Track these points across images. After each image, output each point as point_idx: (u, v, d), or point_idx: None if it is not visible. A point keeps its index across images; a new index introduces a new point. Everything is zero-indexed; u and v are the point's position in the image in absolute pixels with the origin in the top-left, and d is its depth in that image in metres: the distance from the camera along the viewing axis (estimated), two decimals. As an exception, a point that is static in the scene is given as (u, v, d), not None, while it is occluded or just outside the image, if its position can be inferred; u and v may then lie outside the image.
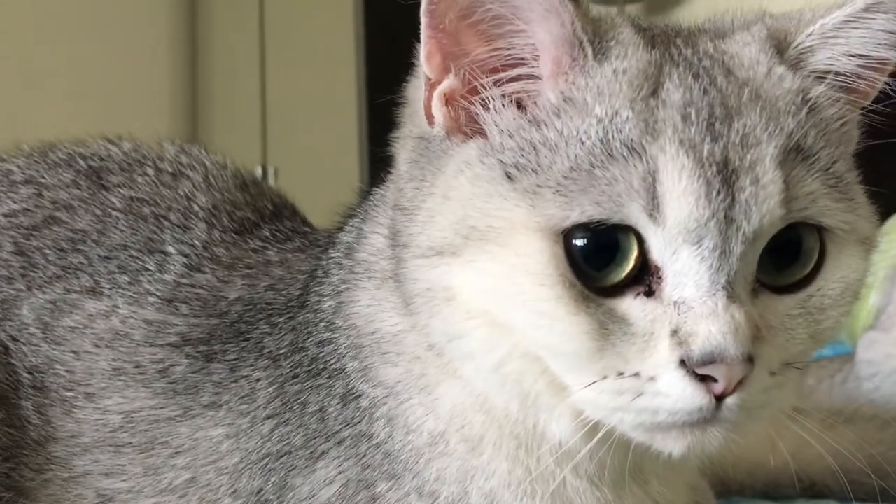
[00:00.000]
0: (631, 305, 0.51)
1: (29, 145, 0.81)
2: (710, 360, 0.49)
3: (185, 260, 0.73)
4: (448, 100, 0.55)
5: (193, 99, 3.38)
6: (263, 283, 0.71)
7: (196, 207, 0.76)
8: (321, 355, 0.63)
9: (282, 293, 0.69)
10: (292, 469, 0.61)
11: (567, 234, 0.50)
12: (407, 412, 0.59)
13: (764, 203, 0.50)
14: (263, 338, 0.66)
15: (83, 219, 0.74)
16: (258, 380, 0.65)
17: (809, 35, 0.56)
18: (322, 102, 3.20)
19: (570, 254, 0.50)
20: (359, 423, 0.60)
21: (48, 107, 2.63)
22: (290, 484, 0.61)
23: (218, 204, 0.78)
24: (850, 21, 0.55)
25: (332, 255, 0.67)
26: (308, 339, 0.64)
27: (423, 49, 0.54)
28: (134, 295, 0.71)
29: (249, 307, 0.69)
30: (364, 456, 0.60)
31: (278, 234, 0.76)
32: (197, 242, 0.74)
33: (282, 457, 0.62)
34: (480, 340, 0.53)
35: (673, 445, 0.52)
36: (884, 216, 0.58)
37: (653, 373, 0.50)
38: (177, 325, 0.69)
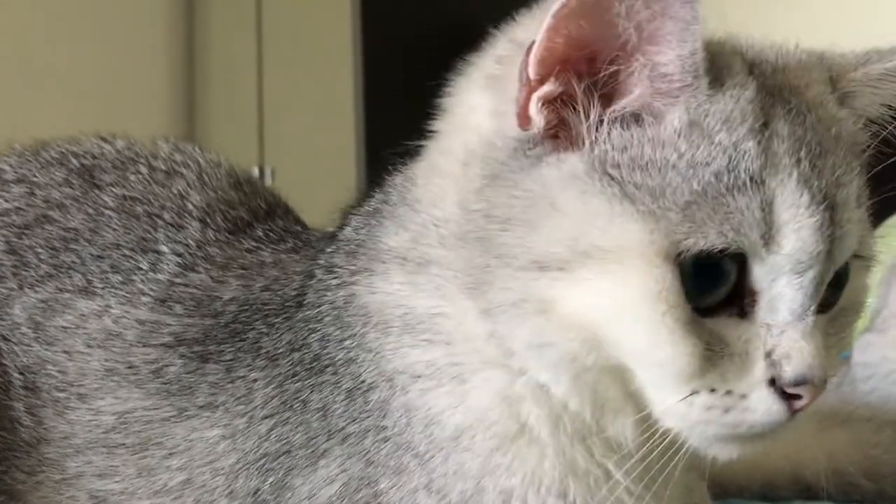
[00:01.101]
0: (726, 325, 0.54)
1: (21, 144, 0.81)
2: (802, 381, 0.53)
3: (178, 259, 0.72)
4: (546, 104, 0.54)
5: (190, 99, 3.38)
6: (258, 284, 0.70)
7: (190, 206, 0.76)
8: (325, 351, 0.62)
9: (277, 293, 0.68)
10: (292, 469, 0.61)
11: (679, 257, 0.51)
12: (431, 402, 0.58)
13: (851, 239, 0.54)
14: (260, 338, 0.66)
15: (75, 217, 0.74)
16: (255, 380, 0.64)
17: (853, 80, 0.59)
18: (319, 103, 3.20)
19: (681, 276, 0.52)
20: (367, 417, 0.59)
21: (44, 106, 2.62)
22: (288, 484, 0.61)
23: (212, 203, 0.77)
24: (890, 74, 0.59)
25: (337, 251, 0.66)
26: (309, 336, 0.63)
27: (538, 50, 0.53)
28: (127, 294, 0.70)
29: (245, 307, 0.68)
30: (368, 452, 0.59)
31: (272, 234, 0.76)
32: (191, 242, 0.73)
33: (280, 456, 0.62)
34: (571, 352, 0.54)
35: (728, 453, 0.56)
36: (876, 221, 0.61)
37: (746, 391, 0.53)
38: (170, 325, 0.68)
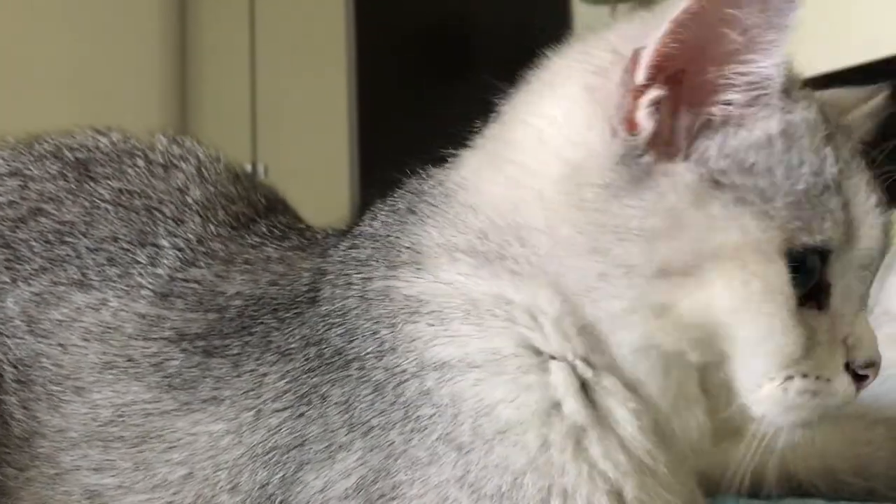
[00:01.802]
0: (810, 316, 0.59)
1: (14, 137, 0.80)
2: (871, 363, 0.60)
3: (179, 253, 0.71)
4: (652, 110, 0.57)
5: (183, 96, 3.37)
6: (265, 279, 0.69)
7: (190, 200, 0.75)
8: (351, 345, 0.61)
9: (286, 288, 0.68)
10: (305, 463, 0.61)
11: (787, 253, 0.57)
12: (484, 393, 0.58)
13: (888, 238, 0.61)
14: (269, 332, 0.65)
15: (70, 210, 0.73)
16: (265, 374, 0.64)
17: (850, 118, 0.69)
18: (312, 100, 3.19)
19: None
20: (398, 409, 0.59)
21: (35, 103, 2.62)
22: (300, 478, 0.60)
23: (212, 197, 0.76)
24: (866, 116, 0.69)
25: (360, 247, 0.66)
26: (328, 331, 0.63)
27: (650, 55, 0.56)
28: (125, 288, 0.70)
29: (251, 302, 0.68)
30: (392, 444, 0.59)
31: (275, 231, 0.75)
32: (191, 236, 0.73)
33: (292, 450, 0.61)
34: (678, 351, 0.58)
35: (797, 437, 0.61)
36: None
37: (831, 375, 0.59)
38: (171, 319, 0.68)
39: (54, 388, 0.67)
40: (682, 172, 0.57)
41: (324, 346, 0.62)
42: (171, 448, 0.64)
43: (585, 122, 0.59)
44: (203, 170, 0.78)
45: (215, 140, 0.86)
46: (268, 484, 0.61)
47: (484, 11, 3.01)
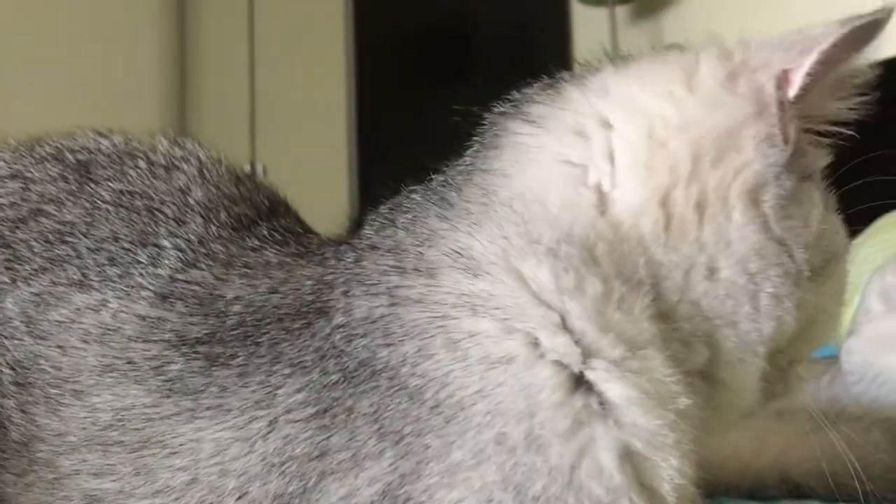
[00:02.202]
0: None
1: (15, 139, 0.79)
2: None
3: (180, 254, 0.70)
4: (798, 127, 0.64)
5: (182, 96, 3.37)
6: (264, 285, 0.68)
7: (192, 201, 0.75)
8: (379, 355, 0.60)
9: (289, 297, 0.67)
10: (329, 473, 0.59)
11: None
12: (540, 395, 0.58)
13: None
14: (278, 343, 0.64)
15: (71, 212, 0.73)
16: (279, 386, 0.62)
17: None
18: (311, 100, 3.19)
19: None
20: (438, 414, 0.58)
21: (34, 104, 2.61)
22: (323, 487, 0.59)
23: (214, 198, 0.76)
24: None
25: (380, 255, 0.64)
26: (349, 343, 0.62)
27: (804, 74, 0.62)
28: (125, 288, 0.69)
29: (252, 309, 0.67)
30: (429, 448, 0.58)
31: (275, 235, 0.75)
32: (193, 237, 0.72)
33: (312, 460, 0.60)
34: (793, 332, 0.65)
35: None
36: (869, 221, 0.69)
37: None
38: (172, 321, 0.67)
39: (53, 390, 0.66)
40: (814, 188, 0.65)
41: (345, 359, 0.61)
42: (173, 454, 0.63)
43: (752, 140, 0.62)
44: (205, 171, 0.78)
45: (214, 140, 0.86)
46: (283, 494, 0.60)
47: (483, 12, 3.01)
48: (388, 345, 0.60)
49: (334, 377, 0.61)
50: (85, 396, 0.66)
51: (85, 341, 0.67)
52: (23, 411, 0.66)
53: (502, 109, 0.68)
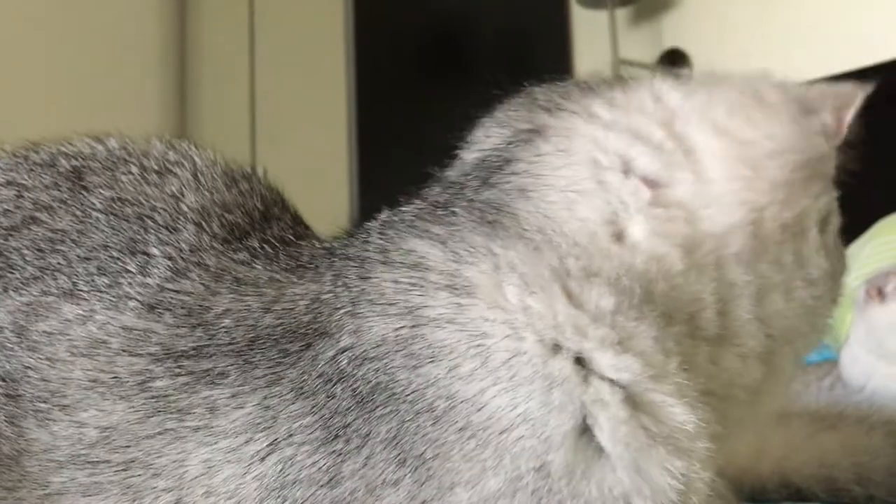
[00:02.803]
0: None
1: (11, 146, 0.78)
2: None
3: (170, 263, 0.69)
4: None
5: (182, 100, 3.37)
6: (255, 303, 0.66)
7: (184, 207, 0.73)
8: (396, 380, 0.58)
9: (284, 318, 0.64)
10: (342, 500, 0.57)
11: None
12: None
13: None
14: (276, 366, 0.61)
15: (63, 220, 0.72)
16: (280, 409, 0.60)
17: None
18: (311, 103, 3.19)
19: None
20: (473, 437, 0.56)
21: (34, 106, 2.61)
22: None
23: (207, 205, 0.74)
24: None
25: (397, 270, 0.61)
26: (360, 367, 0.59)
27: (850, 119, 0.67)
28: (113, 299, 0.67)
29: (243, 327, 0.64)
30: (457, 472, 0.56)
31: (266, 248, 0.72)
32: (184, 245, 0.70)
33: (322, 487, 0.57)
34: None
35: None
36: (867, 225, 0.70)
37: None
38: (158, 333, 0.65)
39: (42, 404, 0.64)
40: None
41: (356, 384, 0.59)
42: (156, 475, 0.61)
43: (821, 166, 0.67)
44: (199, 175, 0.76)
45: (214, 141, 0.85)
46: None
47: (482, 14, 3.00)
48: (412, 367, 0.57)
49: (345, 402, 0.58)
50: (72, 411, 0.64)
51: (72, 354, 0.65)
52: (13, 424, 0.65)
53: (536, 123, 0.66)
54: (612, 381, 0.56)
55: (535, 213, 0.61)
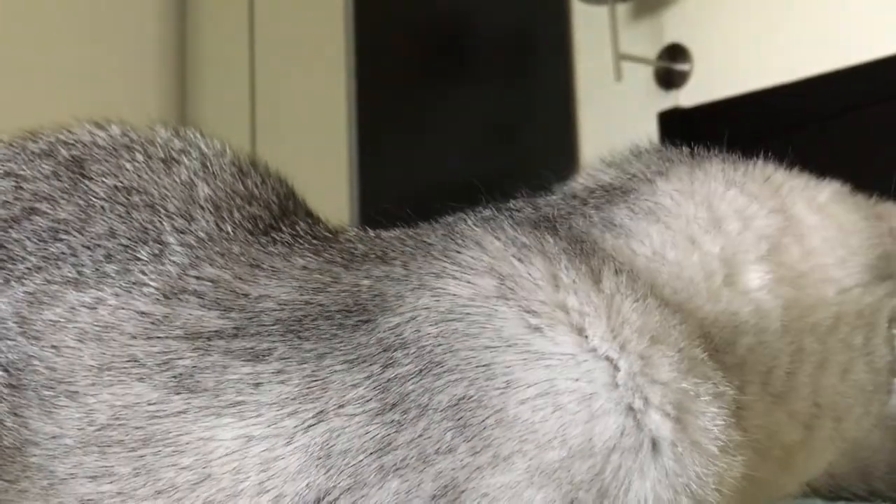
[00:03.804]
0: None
1: (8, 136, 0.77)
2: None
3: (188, 251, 0.68)
4: None
5: (182, 97, 3.37)
6: (303, 286, 0.65)
7: (198, 196, 0.72)
8: (463, 350, 0.58)
9: (338, 297, 0.63)
10: (392, 469, 0.57)
11: None
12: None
13: None
14: (329, 338, 0.61)
15: (65, 209, 0.71)
16: (330, 380, 0.59)
17: None
18: (311, 101, 3.19)
19: None
20: (539, 410, 0.57)
21: (34, 103, 2.61)
22: (378, 482, 0.57)
23: (223, 195, 0.73)
24: None
25: (489, 259, 0.61)
26: (430, 334, 0.59)
27: None
28: (124, 286, 0.66)
29: (287, 307, 0.63)
30: (521, 441, 0.56)
31: (300, 240, 0.71)
32: (202, 234, 0.69)
33: (371, 454, 0.57)
34: None
35: None
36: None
37: None
38: (183, 317, 0.64)
39: (47, 392, 0.64)
40: None
41: (419, 352, 0.59)
42: (178, 452, 0.60)
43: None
44: (208, 164, 0.75)
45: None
46: (327, 488, 0.57)
47: (482, 9, 3.00)
48: (485, 344, 0.58)
49: (404, 370, 0.58)
50: (81, 397, 0.63)
51: (81, 340, 0.65)
52: (15, 415, 0.64)
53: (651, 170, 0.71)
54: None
55: (645, 241, 0.65)
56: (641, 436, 0.56)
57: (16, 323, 0.66)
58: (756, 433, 0.62)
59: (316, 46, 3.24)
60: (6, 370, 0.65)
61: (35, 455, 0.63)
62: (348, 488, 0.57)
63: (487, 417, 0.56)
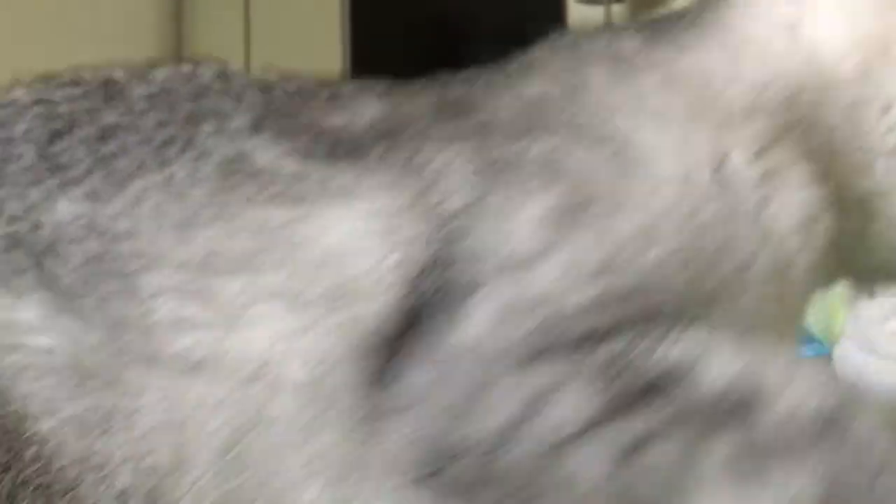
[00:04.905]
0: None
1: (27, 78, 0.78)
2: None
3: (250, 114, 0.69)
4: None
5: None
6: (385, 104, 0.73)
7: (234, 85, 0.73)
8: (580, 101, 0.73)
9: (433, 97, 0.74)
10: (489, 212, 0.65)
11: None
12: None
13: None
14: (428, 128, 0.68)
15: (106, 117, 0.71)
16: (432, 157, 0.66)
17: None
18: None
19: None
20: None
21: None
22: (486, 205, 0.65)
23: (267, 84, 0.76)
24: None
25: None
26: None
27: None
28: (192, 161, 0.66)
29: (385, 118, 0.70)
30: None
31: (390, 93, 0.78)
32: (258, 101, 0.72)
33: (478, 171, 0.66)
34: None
35: None
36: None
37: None
38: (259, 155, 0.66)
39: (133, 266, 0.63)
40: None
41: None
42: (232, 235, 0.62)
43: None
44: (227, 71, 0.77)
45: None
46: (452, 208, 0.62)
47: (478, 7, 3.01)
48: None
49: (516, 126, 0.69)
50: (164, 258, 0.62)
51: (159, 213, 0.64)
52: (99, 310, 0.62)
53: None
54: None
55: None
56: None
57: (83, 225, 0.64)
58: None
59: (312, 47, 3.24)
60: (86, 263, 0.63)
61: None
62: (475, 201, 0.63)
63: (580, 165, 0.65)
